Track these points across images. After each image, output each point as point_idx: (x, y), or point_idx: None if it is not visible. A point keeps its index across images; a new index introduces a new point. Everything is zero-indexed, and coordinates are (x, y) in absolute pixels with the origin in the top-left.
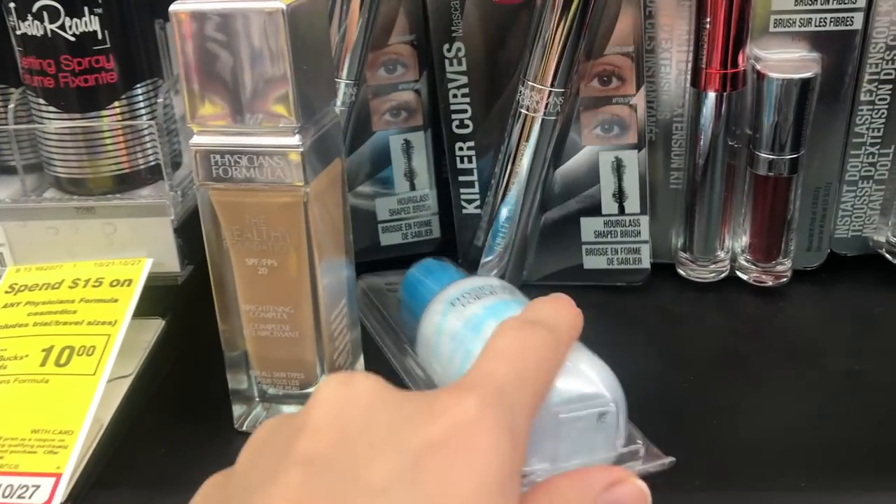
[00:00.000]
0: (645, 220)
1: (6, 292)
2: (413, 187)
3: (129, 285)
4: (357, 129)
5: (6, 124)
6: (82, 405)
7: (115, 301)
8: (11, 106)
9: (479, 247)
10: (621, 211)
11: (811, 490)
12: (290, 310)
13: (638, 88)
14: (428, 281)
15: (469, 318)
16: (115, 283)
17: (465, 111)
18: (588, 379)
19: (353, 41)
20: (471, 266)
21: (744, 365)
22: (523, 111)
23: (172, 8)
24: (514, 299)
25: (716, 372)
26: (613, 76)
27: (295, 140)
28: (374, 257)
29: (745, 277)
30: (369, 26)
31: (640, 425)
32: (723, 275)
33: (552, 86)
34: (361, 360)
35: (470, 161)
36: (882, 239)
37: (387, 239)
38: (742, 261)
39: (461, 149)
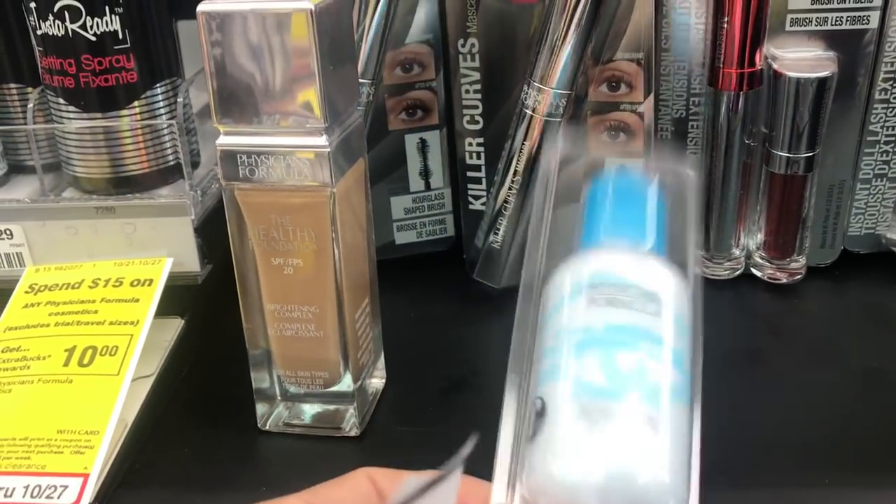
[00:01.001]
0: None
1: (26, 292)
2: (428, 186)
3: (149, 285)
4: (373, 127)
5: (23, 123)
6: (107, 405)
7: (137, 301)
8: (31, 106)
9: (479, 247)
10: None
11: (834, 486)
12: (315, 309)
13: (646, 96)
14: (611, 219)
15: (575, 329)
16: (135, 283)
17: (476, 107)
18: None
19: (372, 41)
20: (470, 266)
21: (761, 362)
22: (527, 111)
23: (200, 8)
24: (648, 326)
25: (734, 369)
26: (622, 82)
27: (322, 140)
28: (388, 256)
29: (759, 274)
30: (388, 26)
31: None
32: (738, 272)
33: (556, 87)
34: (382, 359)
35: (479, 157)
36: (895, 236)
37: (402, 237)
38: (757, 258)
39: (470, 144)
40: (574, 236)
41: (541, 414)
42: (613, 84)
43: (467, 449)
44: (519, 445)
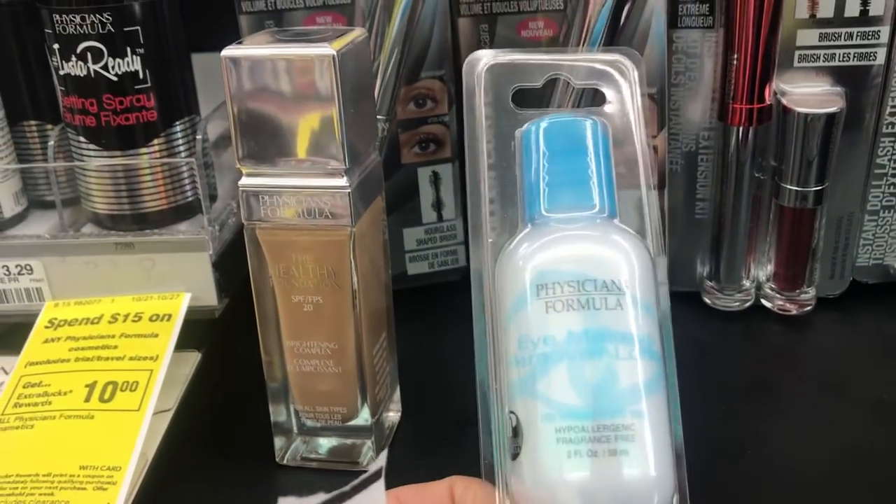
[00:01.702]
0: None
1: (46, 327)
2: (440, 217)
3: (168, 320)
4: (387, 161)
5: (42, 160)
6: (129, 441)
7: (156, 336)
8: (52, 143)
9: None
10: None
11: None
12: (335, 346)
13: (659, 130)
14: (552, 181)
15: (537, 339)
16: (154, 318)
17: (489, 141)
18: None
19: (387, 78)
20: None
21: (773, 394)
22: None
23: (224, 53)
24: (610, 324)
25: (746, 402)
26: None
27: (343, 181)
28: (401, 286)
29: (769, 306)
30: (402, 62)
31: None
32: (748, 303)
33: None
34: (398, 392)
35: (491, 189)
36: None
37: (414, 268)
38: (767, 289)
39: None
40: (517, 202)
41: (516, 433)
42: None
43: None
44: (502, 457)
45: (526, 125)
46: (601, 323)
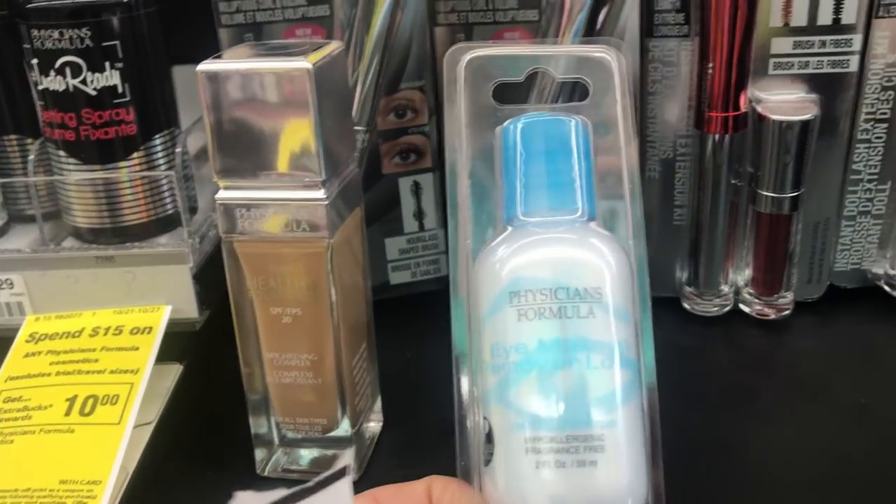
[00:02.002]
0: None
1: (27, 341)
2: (422, 227)
3: (149, 333)
4: (368, 172)
5: (23, 174)
6: (109, 454)
7: (137, 349)
8: (32, 157)
9: None
10: None
11: None
12: (314, 357)
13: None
14: (531, 182)
15: (509, 347)
16: (135, 331)
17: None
18: None
19: (367, 89)
20: None
21: (751, 399)
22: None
23: (200, 68)
24: (583, 334)
25: (724, 406)
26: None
27: (320, 194)
28: (383, 296)
29: (748, 310)
30: (381, 74)
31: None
32: (726, 308)
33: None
34: (379, 402)
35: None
36: (880, 271)
37: (396, 278)
38: (745, 294)
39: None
40: (497, 198)
41: (489, 439)
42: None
43: (340, 465)
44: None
45: (505, 123)
46: (573, 332)
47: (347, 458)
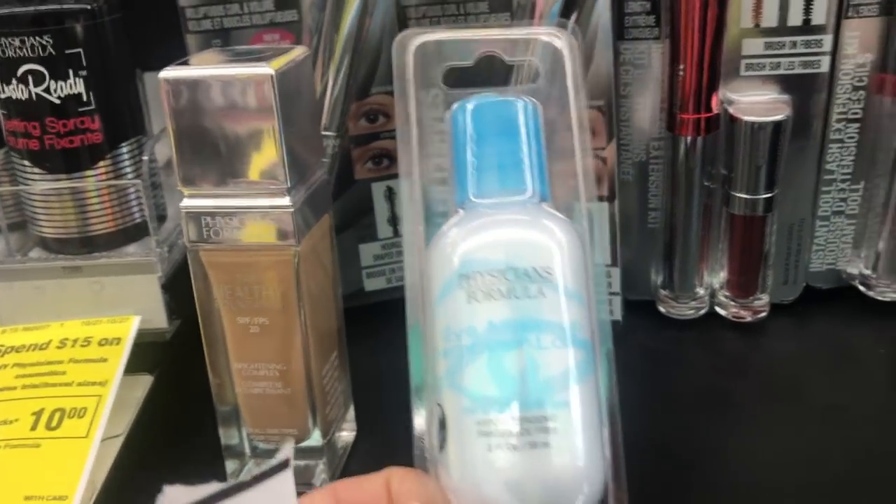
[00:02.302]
0: (617, 272)
1: None
2: (396, 233)
3: (117, 344)
4: (340, 178)
5: None
6: (76, 469)
7: (105, 361)
8: None
9: None
10: None
11: None
12: (282, 367)
13: (609, 141)
14: (481, 164)
15: (459, 330)
16: (103, 342)
17: (441, 155)
18: None
19: (336, 94)
20: None
21: (727, 402)
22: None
23: (162, 75)
24: (532, 314)
25: (700, 410)
26: None
27: (286, 201)
28: (358, 303)
29: (724, 313)
30: (351, 78)
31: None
32: (702, 311)
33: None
34: (352, 410)
35: (444, 204)
36: (855, 271)
37: (371, 284)
38: (721, 297)
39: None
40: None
41: (443, 425)
42: None
43: (281, 457)
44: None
45: (454, 105)
46: (522, 312)
47: (287, 450)
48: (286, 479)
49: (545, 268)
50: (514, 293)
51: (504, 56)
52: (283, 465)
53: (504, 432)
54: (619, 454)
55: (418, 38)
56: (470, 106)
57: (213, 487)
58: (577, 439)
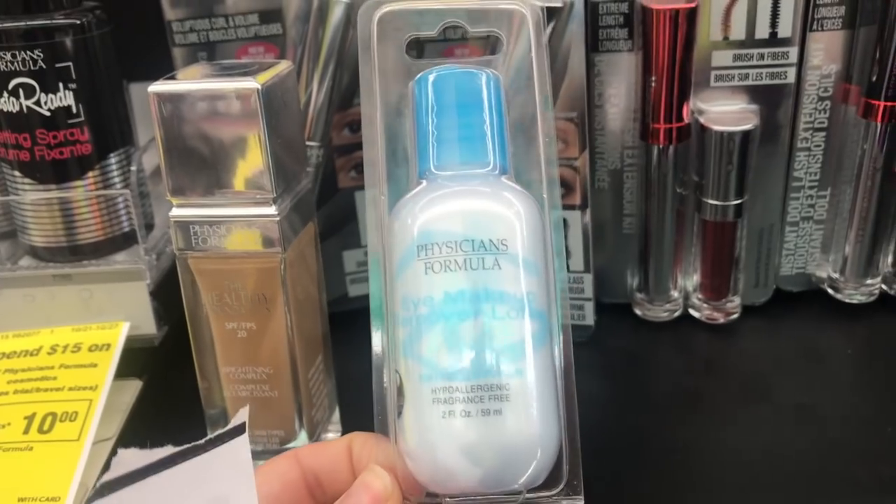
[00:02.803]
0: (589, 278)
1: None
2: None
3: (107, 349)
4: (324, 186)
5: None
6: (68, 471)
7: (95, 366)
8: None
9: None
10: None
11: None
12: (269, 370)
13: (581, 152)
14: (443, 136)
15: (416, 300)
16: (93, 348)
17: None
18: None
19: (320, 105)
20: None
21: (698, 401)
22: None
23: (151, 89)
24: (487, 284)
25: (672, 409)
26: (559, 140)
27: (272, 210)
28: (343, 308)
29: (697, 315)
30: (334, 90)
31: (600, 464)
32: (677, 313)
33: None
34: (337, 413)
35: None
36: (824, 275)
37: (355, 290)
38: (694, 299)
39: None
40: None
41: (401, 392)
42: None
43: (237, 421)
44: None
45: (417, 76)
46: (478, 283)
47: (243, 415)
48: (242, 443)
49: (502, 239)
50: (470, 264)
51: (468, 27)
52: (239, 430)
53: (458, 399)
54: (575, 422)
55: (382, 8)
56: (432, 77)
57: (166, 451)
58: (531, 407)
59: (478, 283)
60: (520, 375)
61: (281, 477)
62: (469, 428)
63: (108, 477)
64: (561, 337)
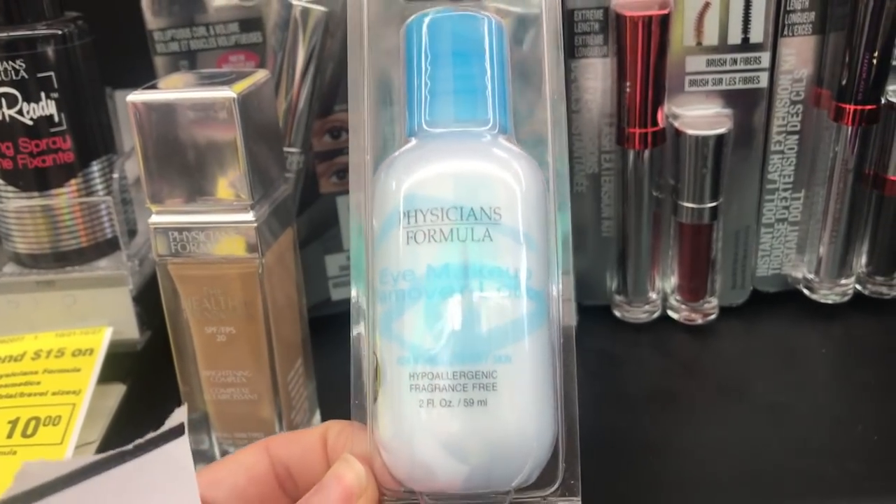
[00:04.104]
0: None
1: None
2: None
3: (90, 354)
4: (305, 192)
5: None
6: None
7: (78, 370)
8: None
9: None
10: None
11: None
12: (249, 374)
13: None
14: (438, 87)
15: (397, 274)
16: (76, 353)
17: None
18: None
19: (300, 112)
20: None
21: (676, 401)
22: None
23: (130, 98)
24: (476, 258)
25: (650, 409)
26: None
27: (250, 216)
28: (326, 312)
29: (676, 316)
30: (314, 96)
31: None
32: (655, 314)
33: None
34: (318, 415)
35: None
36: (799, 275)
37: (338, 294)
38: (672, 301)
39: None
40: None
41: (377, 375)
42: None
43: (173, 422)
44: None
45: (409, 19)
46: (465, 256)
47: (180, 415)
48: (180, 447)
49: (493, 208)
50: (457, 235)
51: None
52: (177, 432)
53: (437, 387)
54: (574, 413)
55: None
56: (427, 20)
57: (84, 459)
58: (522, 399)
59: (465, 256)
60: (507, 362)
61: (247, 470)
62: (450, 420)
63: (7, 494)
64: (562, 311)
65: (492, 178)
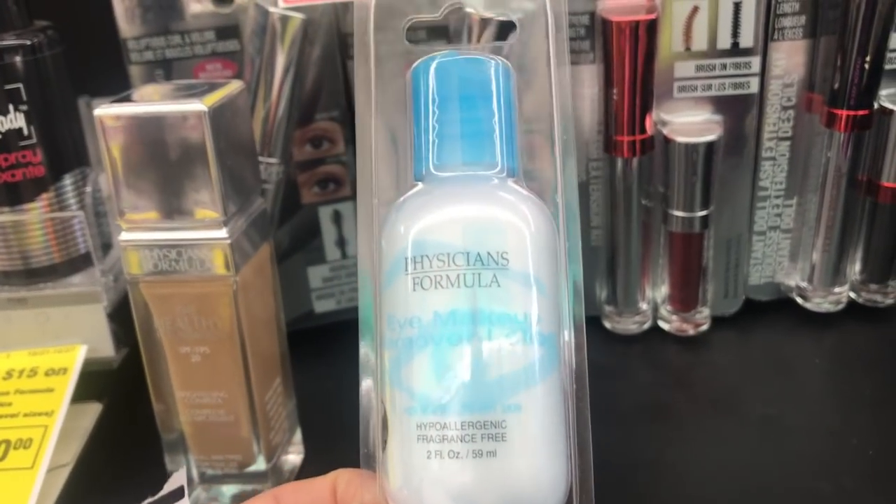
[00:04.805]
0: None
1: None
2: (344, 255)
3: (64, 374)
4: (286, 203)
5: None
6: (21, 500)
7: (51, 391)
8: None
9: None
10: None
11: None
12: (224, 395)
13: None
14: (445, 132)
15: (404, 321)
16: (50, 373)
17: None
18: None
19: (278, 121)
20: None
21: (667, 414)
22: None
23: (97, 112)
24: (483, 305)
25: (641, 422)
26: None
27: (222, 233)
28: (309, 324)
29: (667, 327)
30: (293, 105)
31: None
32: (646, 325)
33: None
34: (299, 434)
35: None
36: (792, 283)
37: (321, 306)
38: (663, 311)
39: None
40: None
41: (385, 424)
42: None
43: (173, 486)
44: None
45: (415, 63)
46: (473, 303)
47: (180, 478)
48: None
49: (501, 252)
50: (464, 281)
51: (478, 9)
52: (177, 495)
53: (447, 438)
54: (588, 462)
55: None
56: (434, 64)
57: None
58: (533, 448)
59: (472, 302)
60: (517, 411)
61: None
62: (459, 471)
63: None
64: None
65: (499, 222)
